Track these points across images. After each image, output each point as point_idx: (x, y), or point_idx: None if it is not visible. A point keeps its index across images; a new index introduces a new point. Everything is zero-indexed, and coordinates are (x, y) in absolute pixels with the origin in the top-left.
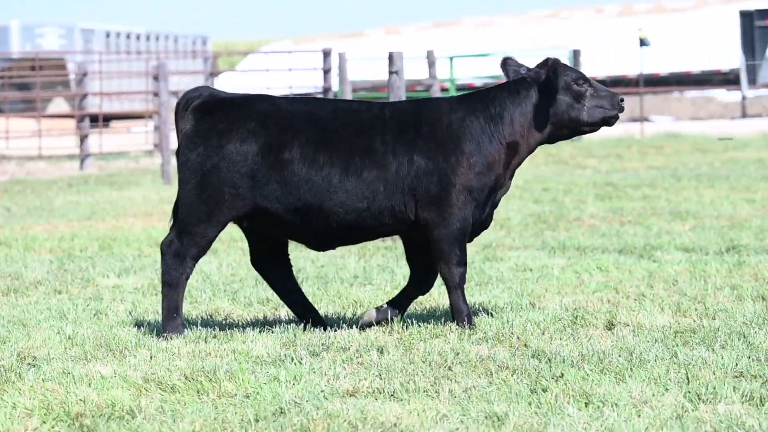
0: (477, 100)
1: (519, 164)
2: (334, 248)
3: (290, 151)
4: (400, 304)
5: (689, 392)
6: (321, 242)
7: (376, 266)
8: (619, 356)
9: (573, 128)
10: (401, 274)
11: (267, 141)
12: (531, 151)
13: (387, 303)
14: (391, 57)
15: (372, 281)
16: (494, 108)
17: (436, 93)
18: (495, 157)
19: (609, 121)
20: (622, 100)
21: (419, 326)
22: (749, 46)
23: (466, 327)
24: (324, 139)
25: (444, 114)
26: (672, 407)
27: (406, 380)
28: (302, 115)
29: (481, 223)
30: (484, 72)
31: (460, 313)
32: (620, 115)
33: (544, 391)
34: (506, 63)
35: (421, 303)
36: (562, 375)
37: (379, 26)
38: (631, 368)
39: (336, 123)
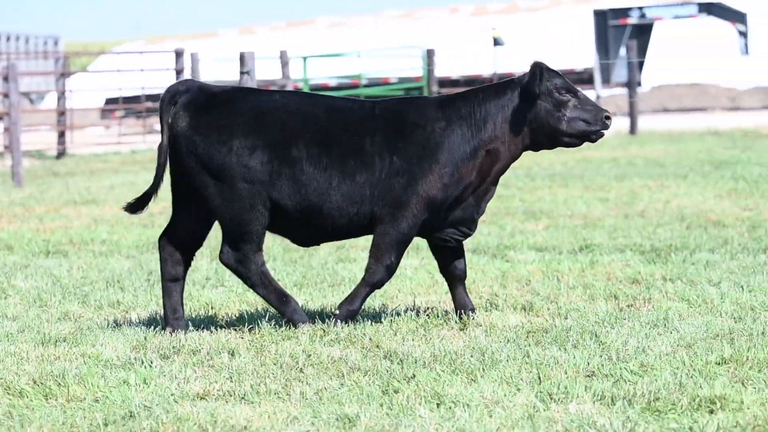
0: (463, 105)
1: (503, 170)
2: (318, 245)
3: (298, 148)
4: (463, 302)
5: (541, 392)
6: (310, 240)
7: None
8: (471, 356)
9: (552, 137)
10: None
11: (273, 136)
12: (514, 156)
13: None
14: (242, 57)
15: (224, 283)
16: (479, 113)
17: None
18: (469, 168)
19: (590, 136)
20: (608, 117)
21: (271, 328)
22: (603, 46)
23: (341, 321)
24: (324, 138)
25: (428, 120)
26: (523, 407)
27: (257, 383)
28: (301, 110)
29: (461, 223)
30: (339, 72)
31: (350, 306)
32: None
33: (396, 392)
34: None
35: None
36: (414, 376)
37: (234, 26)
38: (483, 368)
39: (332, 122)
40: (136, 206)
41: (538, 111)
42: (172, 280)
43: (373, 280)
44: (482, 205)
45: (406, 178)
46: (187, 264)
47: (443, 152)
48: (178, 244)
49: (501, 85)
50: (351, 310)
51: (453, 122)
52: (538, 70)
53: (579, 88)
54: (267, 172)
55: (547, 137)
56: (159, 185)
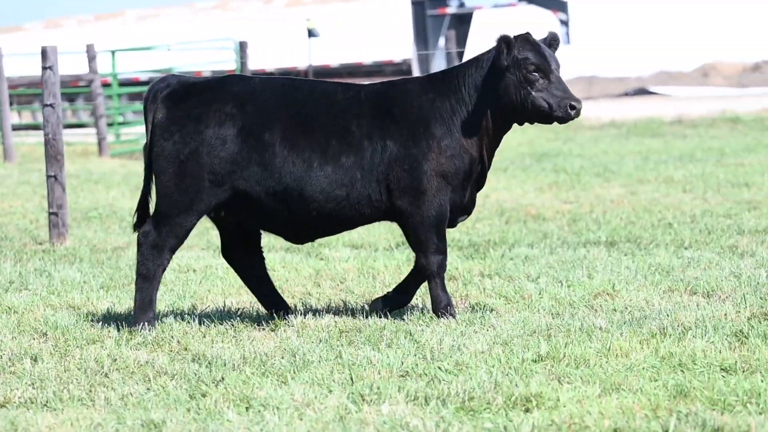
0: (448, 80)
1: (496, 144)
2: (313, 240)
3: (271, 132)
4: (405, 289)
5: (353, 393)
6: (300, 232)
7: (33, 270)
8: (282, 358)
9: (517, 113)
10: (59, 278)
11: (246, 123)
12: (502, 130)
13: (393, 291)
14: (44, 52)
15: (28, 286)
16: (464, 87)
17: (98, 89)
18: (470, 141)
19: (550, 119)
20: (573, 107)
21: (75, 332)
22: (421, 36)
23: (448, 317)
24: (303, 121)
25: (415, 96)
26: (335, 409)
27: (60, 389)
28: (279, 95)
29: (463, 208)
30: (149, 66)
31: (439, 303)
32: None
33: (204, 396)
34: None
35: (79, 307)
36: (223, 379)
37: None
38: (294, 370)
39: (314, 105)
40: (142, 219)
41: (508, 84)
42: (258, 284)
43: (433, 271)
44: (482, 183)
45: (408, 162)
46: (259, 259)
47: (437, 125)
48: (237, 250)
49: (481, 59)
50: (444, 305)
51: (441, 96)
52: (503, 43)
53: (555, 71)
54: (238, 162)
55: (513, 112)
56: (150, 187)
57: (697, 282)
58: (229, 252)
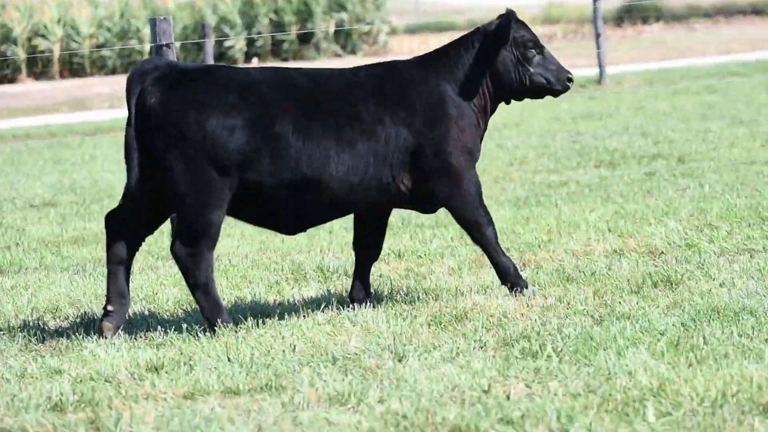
0: (445, 60)
1: (486, 125)
2: (305, 231)
3: (282, 123)
4: (364, 281)
5: None
6: (299, 223)
7: None
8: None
9: (514, 90)
10: None
11: (252, 113)
12: (494, 110)
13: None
14: None
15: None
16: (458, 68)
17: None
18: (475, 119)
19: (548, 94)
20: (570, 80)
21: None
22: None
23: (520, 287)
24: (311, 109)
25: (418, 79)
26: None
27: None
28: (281, 83)
29: None
30: None
31: (508, 272)
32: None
33: None
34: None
35: None
36: None
37: None
38: None
39: (318, 92)
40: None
41: (505, 63)
42: (119, 263)
43: (493, 244)
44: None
45: (431, 147)
46: (135, 248)
47: (449, 106)
48: (131, 225)
49: (469, 37)
50: (512, 270)
51: (441, 77)
52: (512, 17)
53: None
54: (247, 153)
55: (511, 90)
56: (135, 176)
57: None
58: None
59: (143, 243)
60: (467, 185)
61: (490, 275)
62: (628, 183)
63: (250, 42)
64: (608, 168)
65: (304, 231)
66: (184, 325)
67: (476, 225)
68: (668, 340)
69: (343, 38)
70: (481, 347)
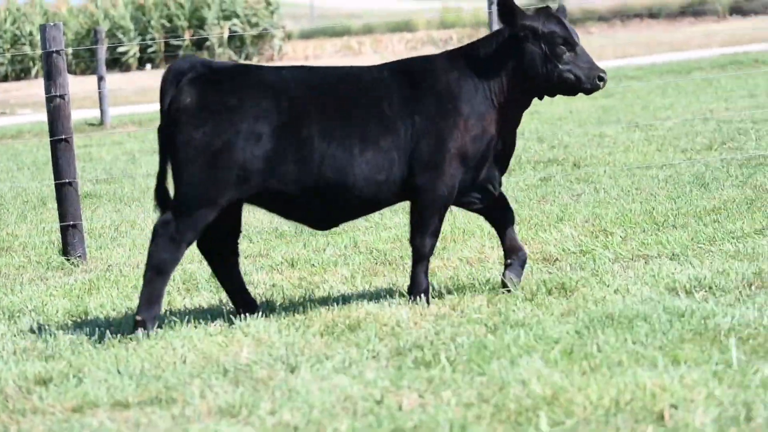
0: (470, 56)
1: (518, 122)
2: (338, 225)
3: (309, 126)
4: (513, 248)
5: None
6: (330, 220)
7: None
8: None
9: (543, 86)
10: None
11: (283, 117)
12: (524, 106)
13: (507, 262)
14: None
15: None
16: (485, 63)
17: None
18: (489, 119)
19: (579, 91)
20: (601, 78)
21: None
22: None
23: (421, 302)
24: (338, 109)
25: (440, 73)
26: None
27: None
28: (309, 84)
29: (482, 187)
30: None
31: (419, 286)
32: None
33: None
34: (504, 3)
35: None
36: None
37: None
38: None
39: (344, 90)
40: (163, 200)
41: (533, 59)
42: (229, 279)
43: (425, 253)
44: (506, 161)
45: (433, 138)
46: (235, 254)
47: (463, 103)
48: (216, 243)
49: (498, 34)
50: (422, 289)
51: (464, 73)
52: (543, 15)
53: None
54: (275, 157)
55: (539, 87)
56: (166, 172)
57: None
58: (206, 244)
59: (238, 243)
60: (443, 187)
61: (384, 283)
62: (523, 189)
63: (144, 48)
64: None
65: (337, 226)
66: (74, 337)
67: (425, 228)
68: (562, 348)
69: (238, 43)
70: (374, 357)
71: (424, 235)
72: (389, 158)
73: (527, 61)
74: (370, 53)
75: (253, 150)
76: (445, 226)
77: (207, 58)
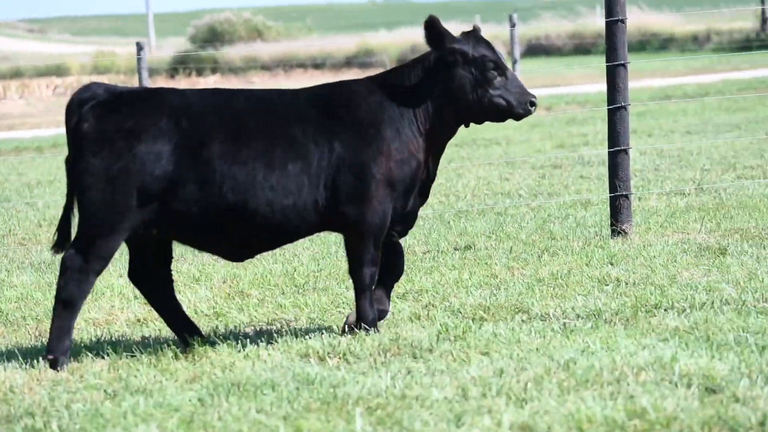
0: (390, 82)
1: (442, 150)
2: (252, 256)
3: (209, 147)
4: (381, 298)
5: None
6: (243, 249)
7: None
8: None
9: (473, 112)
10: None
11: (182, 138)
12: (450, 133)
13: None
14: None
15: None
16: (408, 89)
17: None
18: (416, 145)
19: (509, 117)
20: (532, 104)
21: None
22: None
23: (372, 332)
24: (243, 132)
25: (362, 98)
26: None
27: None
28: (214, 106)
29: (403, 217)
30: None
31: (365, 318)
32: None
33: None
34: (433, 25)
35: None
36: None
37: None
38: None
39: (252, 113)
40: (62, 242)
41: (463, 84)
42: (166, 308)
43: (365, 284)
44: (428, 191)
45: (356, 166)
46: (168, 282)
47: (386, 127)
48: (147, 273)
49: (425, 58)
50: (370, 320)
51: (387, 98)
52: (472, 38)
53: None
54: (176, 178)
55: (470, 112)
56: (73, 203)
57: None
58: (137, 274)
59: (171, 269)
60: (373, 217)
61: (2, 345)
62: None
63: None
64: None
65: (252, 257)
66: None
67: (361, 259)
68: (181, 417)
69: None
70: None
71: (361, 266)
72: (297, 183)
73: (456, 86)
74: (15, 98)
75: (153, 170)
76: None
77: (112, 84)
